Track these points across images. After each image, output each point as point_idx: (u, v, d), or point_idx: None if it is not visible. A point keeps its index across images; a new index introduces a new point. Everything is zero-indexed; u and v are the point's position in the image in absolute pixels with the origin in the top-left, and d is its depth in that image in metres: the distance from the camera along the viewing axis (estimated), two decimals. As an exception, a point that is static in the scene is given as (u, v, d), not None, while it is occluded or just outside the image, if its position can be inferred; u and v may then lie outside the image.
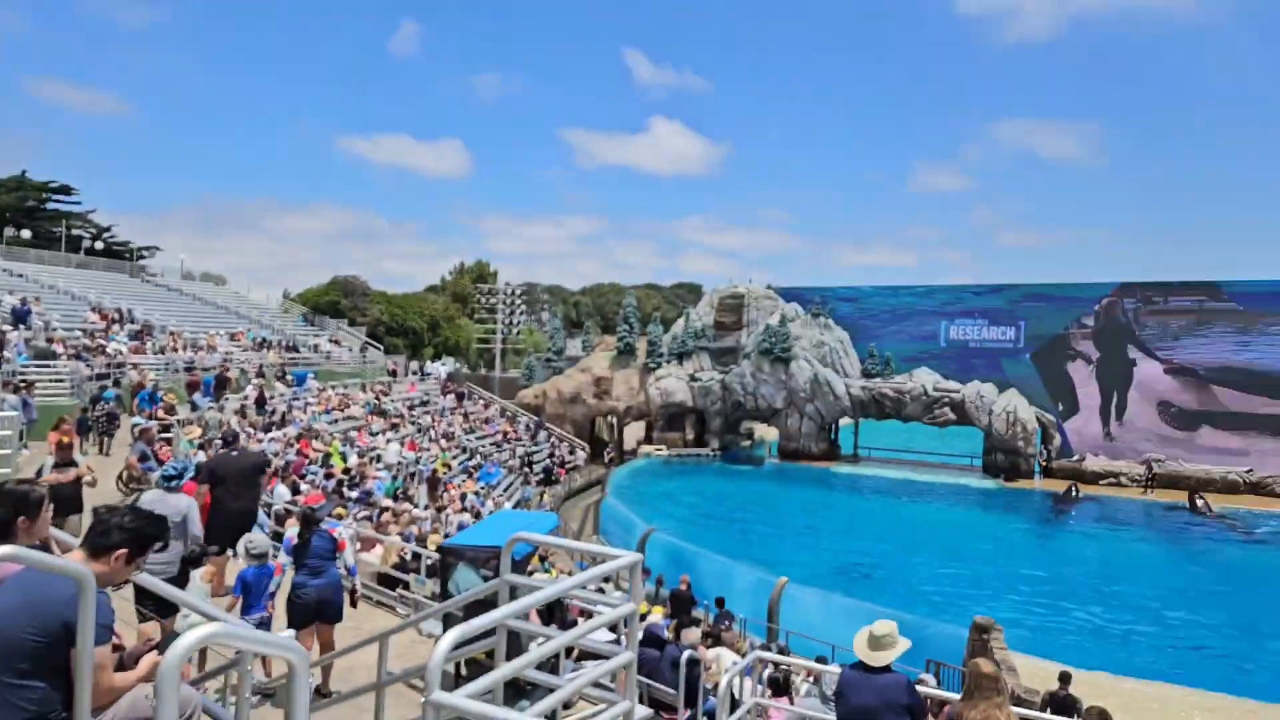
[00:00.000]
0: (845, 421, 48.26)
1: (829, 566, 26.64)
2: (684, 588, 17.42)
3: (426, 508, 19.96)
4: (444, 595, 7.61)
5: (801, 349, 46.54)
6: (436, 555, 10.17)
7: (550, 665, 6.96)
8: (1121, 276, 45.00)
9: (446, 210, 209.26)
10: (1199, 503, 36.08)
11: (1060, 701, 11.25)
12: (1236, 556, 28.96)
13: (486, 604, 5.44)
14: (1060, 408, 43.35)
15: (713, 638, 13.16)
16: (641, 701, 8.83)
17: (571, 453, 43.83)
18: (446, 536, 14.52)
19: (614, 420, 50.62)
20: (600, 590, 15.54)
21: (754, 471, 44.87)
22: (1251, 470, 38.43)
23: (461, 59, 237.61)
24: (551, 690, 3.66)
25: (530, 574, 13.62)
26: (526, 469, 37.06)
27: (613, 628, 6.35)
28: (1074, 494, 38.04)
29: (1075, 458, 42.10)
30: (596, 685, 4.17)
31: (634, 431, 52.15)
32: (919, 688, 6.19)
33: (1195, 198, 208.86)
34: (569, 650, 7.18)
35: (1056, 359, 43.73)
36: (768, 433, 52.31)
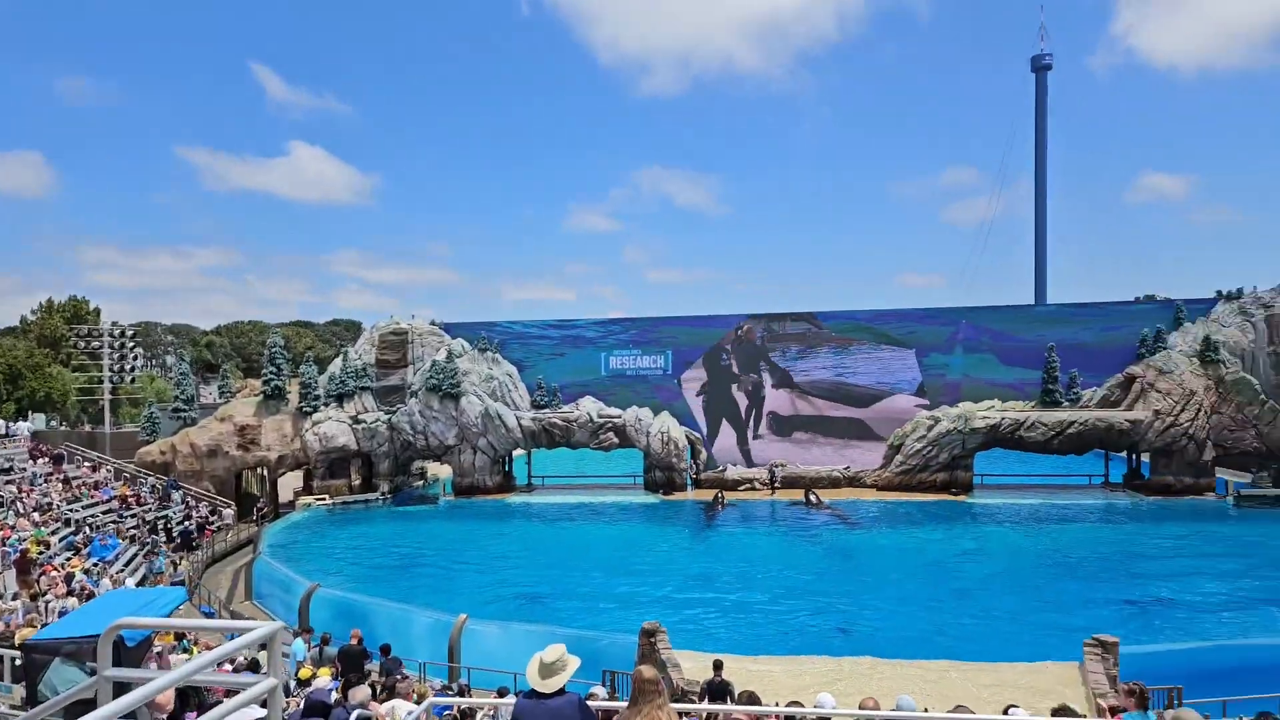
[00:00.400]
0: (518, 452, 48.99)
1: (510, 596, 26.69)
2: (355, 643, 16.37)
3: (16, 596, 16.34)
4: (33, 702, 6.22)
5: (471, 384, 46.42)
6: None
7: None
8: (749, 309, 51.60)
9: (23, 237, 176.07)
10: (812, 498, 42.35)
11: (715, 688, 12.37)
12: (842, 539, 34.41)
13: (95, 705, 4.55)
14: (706, 425, 48.27)
15: (387, 690, 12.43)
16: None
17: (214, 513, 38.91)
18: (45, 628, 11.98)
19: (265, 472, 45.96)
20: (254, 665, 13.92)
21: (429, 511, 43.56)
22: (849, 467, 46.09)
23: (33, 55, 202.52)
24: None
25: (160, 657, 11.74)
26: (155, 537, 32.12)
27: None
28: (720, 501, 42.46)
29: (720, 468, 47.10)
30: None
31: (290, 482, 47.82)
32: (590, 702, 6.40)
33: (799, 239, 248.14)
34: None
35: (699, 381, 48.64)
36: (441, 470, 51.23)
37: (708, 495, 43.95)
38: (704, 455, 47.57)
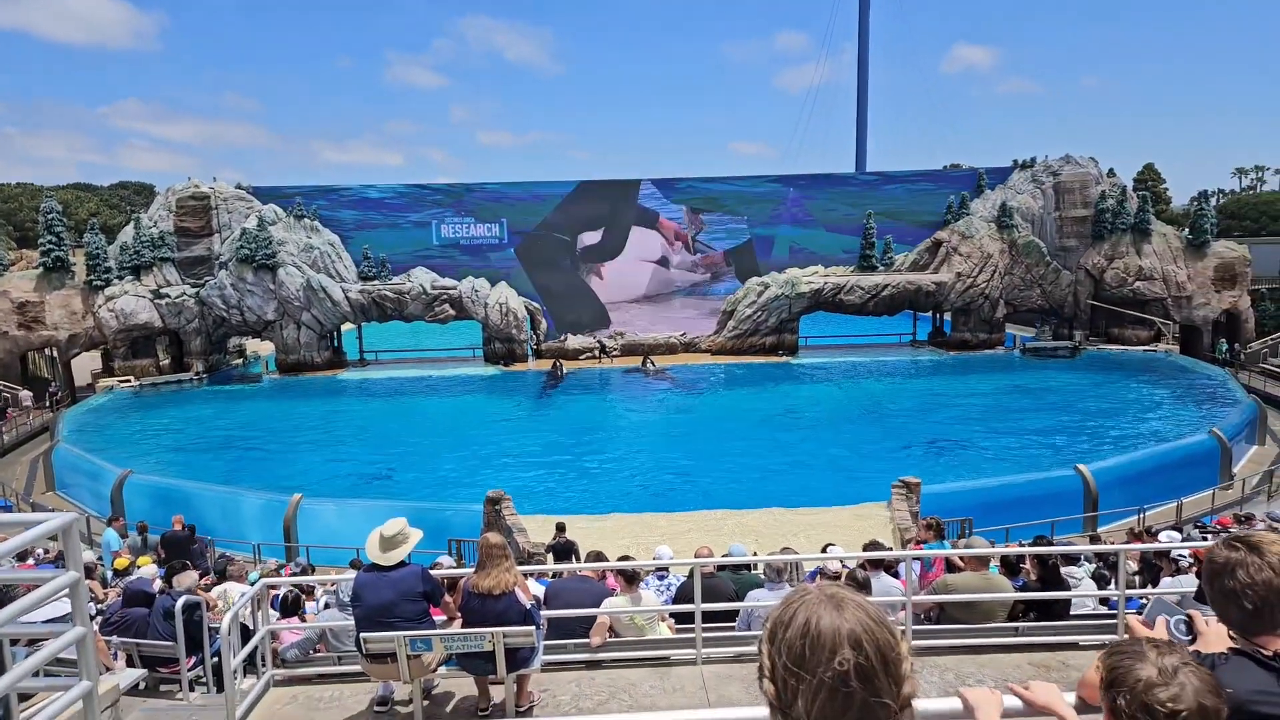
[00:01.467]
0: (348, 327, 46.72)
1: (348, 474, 26.14)
2: (178, 528, 15.67)
3: None
4: None
5: (289, 254, 43.14)
6: None
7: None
8: (584, 174, 50.30)
9: None
10: (649, 365, 43.48)
11: (560, 548, 12.77)
12: (678, 402, 35.90)
13: None
14: (545, 294, 47.64)
15: (217, 574, 11.97)
16: (135, 665, 7.64)
17: (-2, 401, 34.93)
18: None
19: (55, 353, 41.35)
20: (59, 559, 12.89)
21: (251, 390, 41.16)
22: (685, 333, 47.49)
23: None
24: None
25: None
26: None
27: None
28: (559, 371, 42.81)
29: (560, 338, 47.16)
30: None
31: (87, 364, 43.41)
32: (435, 571, 6.36)
33: (634, 103, 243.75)
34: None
35: (539, 250, 47.63)
36: (262, 347, 48.14)
37: (548, 365, 44.15)
38: (544, 325, 47.35)
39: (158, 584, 10.09)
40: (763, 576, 8.48)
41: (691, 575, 7.02)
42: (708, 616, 7.04)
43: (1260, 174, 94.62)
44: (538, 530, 16.64)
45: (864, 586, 7.13)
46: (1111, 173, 47.73)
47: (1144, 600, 8.26)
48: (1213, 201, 59.98)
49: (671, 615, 7.78)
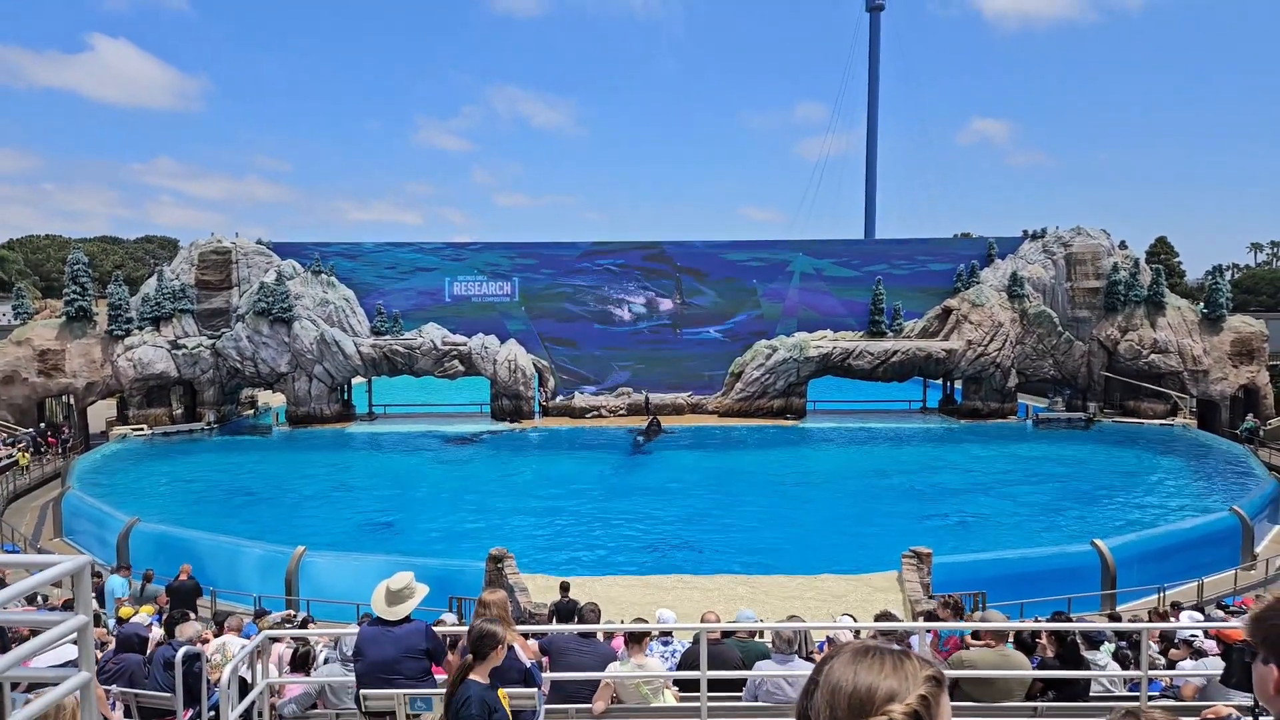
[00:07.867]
0: (358, 380, 47.02)
1: (352, 527, 26.02)
2: (184, 578, 15.67)
3: None
4: None
5: (304, 308, 43.72)
6: None
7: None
8: (596, 235, 50.98)
9: None
10: (653, 426, 42.95)
11: (564, 608, 12.57)
12: (683, 464, 35.61)
13: None
14: (554, 352, 47.90)
15: (218, 625, 11.89)
16: (131, 716, 7.52)
17: (13, 444, 35.13)
18: None
19: (72, 400, 41.76)
20: (71, 606, 12.85)
21: (261, 442, 41.27)
22: (691, 393, 47.41)
23: None
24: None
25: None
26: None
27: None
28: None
29: (568, 396, 47.21)
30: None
31: (102, 411, 43.78)
32: (439, 628, 6.31)
33: (651, 169, 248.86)
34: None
35: (549, 308, 48.03)
36: (273, 399, 48.44)
37: (556, 423, 44.06)
38: (552, 383, 47.47)
39: (157, 632, 10.01)
40: (770, 646, 8.32)
41: (697, 641, 6.91)
42: (713, 685, 6.90)
43: (1276, 249, 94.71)
44: (540, 590, 16.43)
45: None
46: (1124, 245, 47.98)
47: (1166, 681, 8.06)
48: (1228, 276, 60.01)
49: (675, 683, 7.63)
